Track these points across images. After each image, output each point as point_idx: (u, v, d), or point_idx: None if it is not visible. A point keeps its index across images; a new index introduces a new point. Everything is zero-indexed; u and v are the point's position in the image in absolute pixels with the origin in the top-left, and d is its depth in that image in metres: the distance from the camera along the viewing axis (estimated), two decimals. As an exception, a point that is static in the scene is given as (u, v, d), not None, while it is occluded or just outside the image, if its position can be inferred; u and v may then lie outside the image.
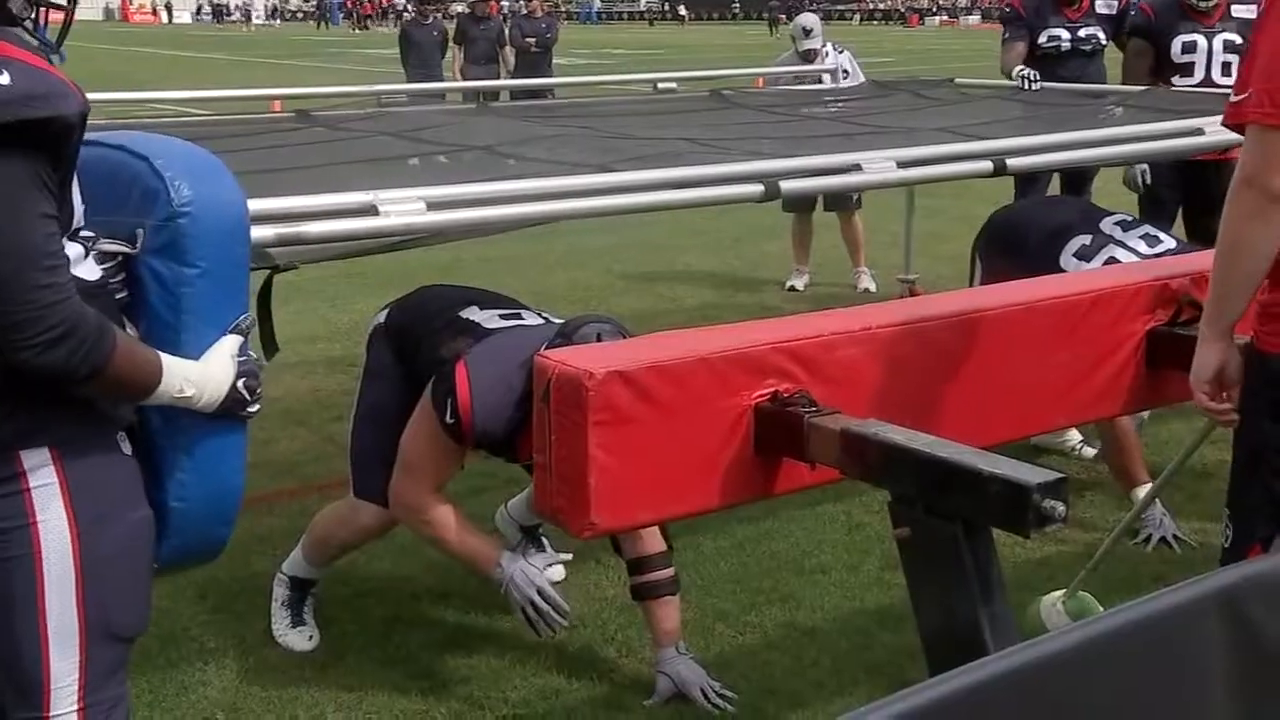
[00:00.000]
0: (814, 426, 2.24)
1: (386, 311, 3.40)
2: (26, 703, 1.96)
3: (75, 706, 1.97)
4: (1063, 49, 6.13)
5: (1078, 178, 6.22)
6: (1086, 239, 4.04)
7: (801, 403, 2.28)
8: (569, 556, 3.44)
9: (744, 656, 3.32)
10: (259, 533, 3.96)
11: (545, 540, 3.81)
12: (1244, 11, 5.60)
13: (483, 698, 3.14)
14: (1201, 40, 5.53)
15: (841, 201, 7.30)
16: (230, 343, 2.06)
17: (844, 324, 2.48)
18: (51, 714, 1.96)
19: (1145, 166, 5.55)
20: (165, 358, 1.97)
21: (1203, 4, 5.51)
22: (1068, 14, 6.14)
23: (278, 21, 69.60)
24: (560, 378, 2.21)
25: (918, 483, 2.04)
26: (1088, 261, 3.97)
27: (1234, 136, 4.11)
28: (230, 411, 2.06)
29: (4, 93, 1.73)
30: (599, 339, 2.74)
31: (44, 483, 1.90)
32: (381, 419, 3.24)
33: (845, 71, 7.45)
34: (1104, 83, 6.15)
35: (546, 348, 2.71)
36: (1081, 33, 6.14)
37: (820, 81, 7.04)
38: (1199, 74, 5.54)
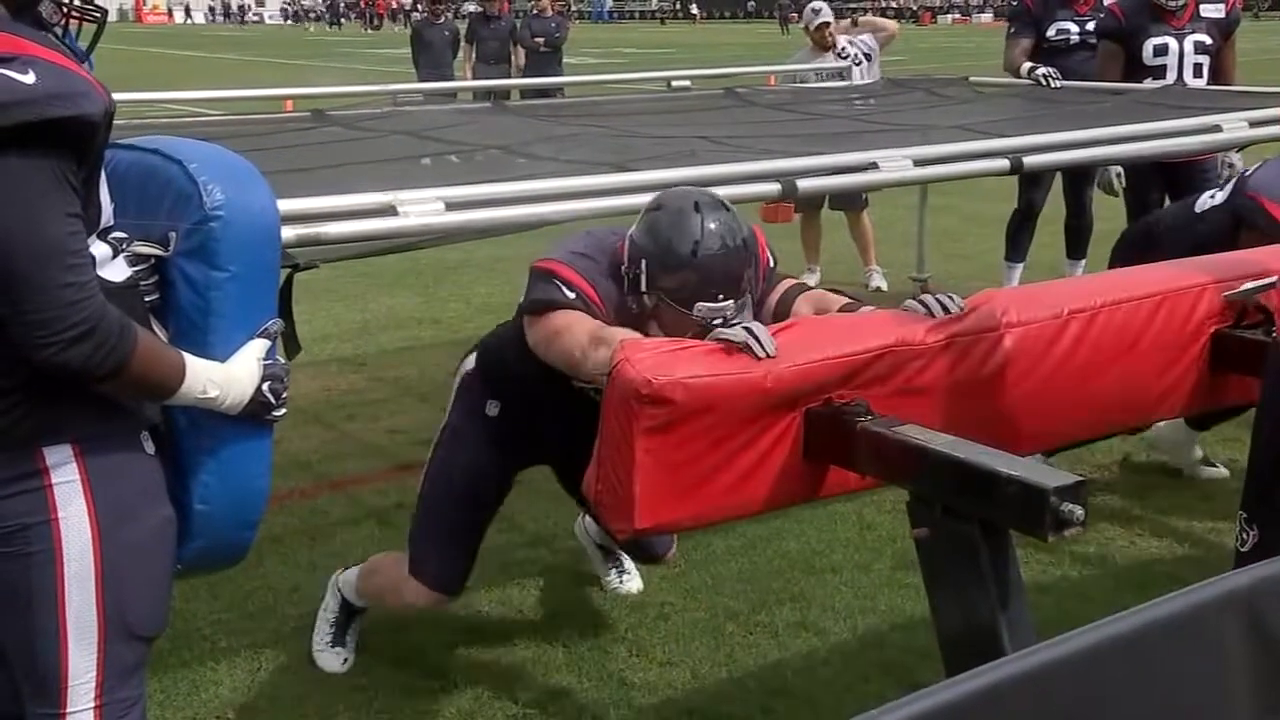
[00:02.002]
0: (863, 433, 2.18)
1: (476, 353, 3.03)
2: (44, 699, 1.96)
3: (92, 704, 1.97)
4: (1071, 42, 6.12)
5: (1080, 178, 6.22)
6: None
7: (857, 410, 2.22)
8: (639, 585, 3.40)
9: (754, 656, 3.31)
10: (272, 532, 3.96)
11: (623, 556, 3.71)
12: (1212, 11, 5.60)
13: (493, 697, 3.13)
14: (1173, 42, 5.52)
15: (849, 200, 7.28)
16: (256, 346, 2.06)
17: (911, 336, 2.36)
18: (68, 711, 1.96)
19: (1120, 169, 5.55)
20: (189, 359, 1.98)
21: (1172, 4, 5.50)
22: (1076, 8, 6.14)
23: (290, 22, 69.57)
24: (618, 378, 2.15)
25: (935, 483, 2.02)
26: None
27: (1255, 133, 4.10)
28: (255, 415, 2.06)
29: (28, 91, 1.74)
30: (697, 208, 2.53)
31: (66, 479, 1.90)
32: (469, 496, 2.95)
33: (868, 54, 7.45)
34: None
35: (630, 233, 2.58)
36: (1090, 26, 6.14)
37: (842, 78, 7.04)
38: (1171, 76, 5.53)
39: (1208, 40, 5.54)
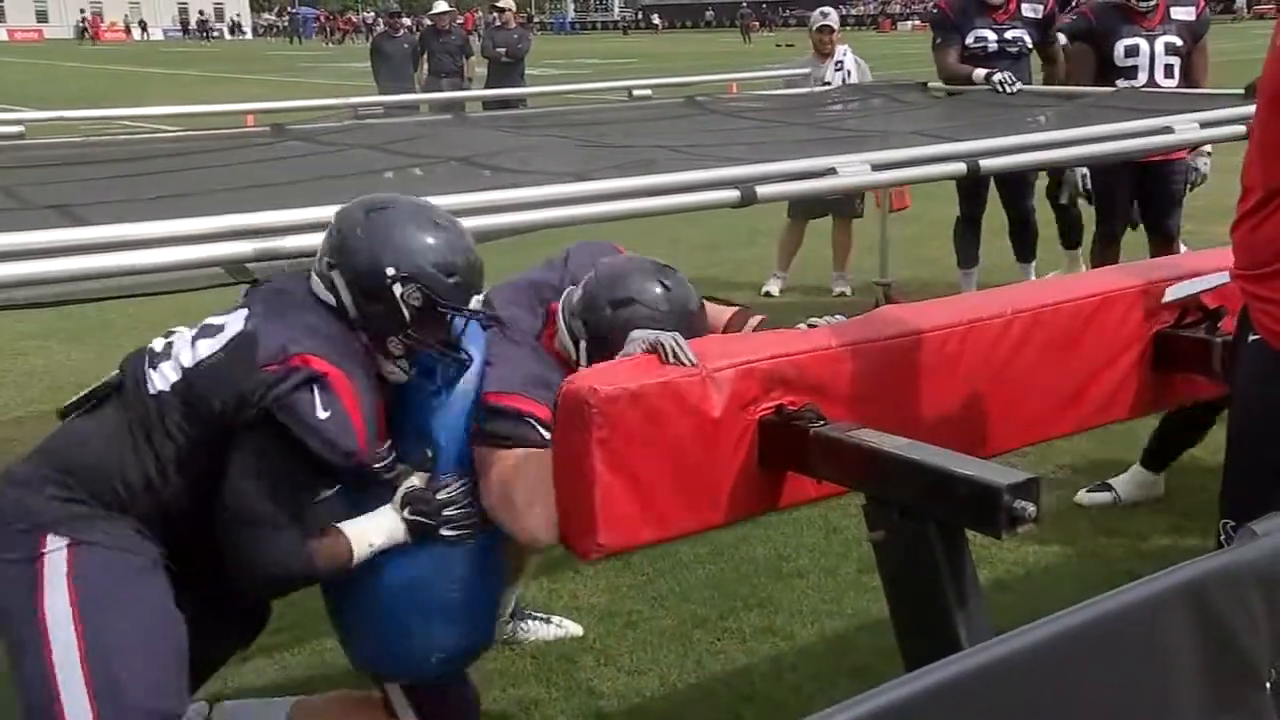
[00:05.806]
0: (816, 438, 2.20)
1: None
2: None
3: None
4: (989, 50, 6.21)
5: (1018, 187, 6.29)
6: None
7: (808, 416, 2.24)
8: (579, 630, 3.44)
9: (722, 662, 3.32)
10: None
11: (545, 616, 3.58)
12: (1182, 14, 5.68)
13: (463, 709, 3.12)
14: (1144, 43, 5.60)
15: (845, 207, 7.29)
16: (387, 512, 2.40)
17: (849, 337, 2.39)
18: None
19: (1085, 171, 5.61)
20: (348, 530, 2.35)
21: (1143, 5, 5.58)
22: (994, 16, 6.22)
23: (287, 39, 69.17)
24: (565, 397, 2.17)
25: (891, 485, 2.04)
26: None
27: (1206, 134, 4.11)
28: (427, 533, 2.38)
29: (318, 426, 2.19)
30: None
31: (56, 570, 2.12)
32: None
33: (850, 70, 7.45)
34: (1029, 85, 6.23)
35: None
36: (1008, 35, 6.24)
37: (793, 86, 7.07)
38: (1142, 76, 5.61)
39: (1178, 42, 5.61)
